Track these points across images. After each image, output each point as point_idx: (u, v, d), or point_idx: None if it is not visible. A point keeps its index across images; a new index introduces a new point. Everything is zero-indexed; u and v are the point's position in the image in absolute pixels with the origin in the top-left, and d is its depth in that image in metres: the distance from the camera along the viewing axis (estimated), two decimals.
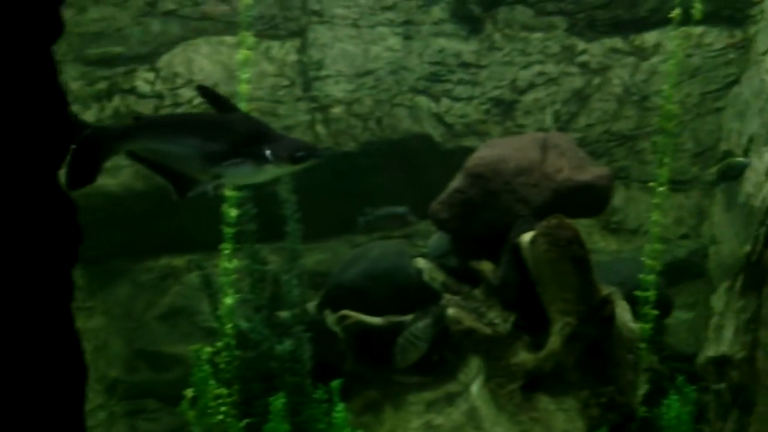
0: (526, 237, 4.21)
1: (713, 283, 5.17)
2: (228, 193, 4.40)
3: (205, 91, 3.14)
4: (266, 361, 4.47)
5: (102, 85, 5.72)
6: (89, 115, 5.65)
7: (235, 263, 4.41)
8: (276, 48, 5.87)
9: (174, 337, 5.69)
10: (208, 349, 4.43)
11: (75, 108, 5.71)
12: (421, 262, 4.82)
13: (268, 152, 2.90)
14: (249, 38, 4.29)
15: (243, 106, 4.26)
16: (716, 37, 5.61)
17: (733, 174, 4.87)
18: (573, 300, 4.01)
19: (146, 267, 5.80)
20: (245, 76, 4.26)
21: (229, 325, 4.42)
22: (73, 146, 2.48)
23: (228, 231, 4.39)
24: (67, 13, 5.89)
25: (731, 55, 5.58)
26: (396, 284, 4.68)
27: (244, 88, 4.22)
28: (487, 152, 4.70)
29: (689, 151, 5.63)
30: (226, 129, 2.96)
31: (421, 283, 4.70)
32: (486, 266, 4.51)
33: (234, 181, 3.78)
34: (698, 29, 5.11)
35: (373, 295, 4.68)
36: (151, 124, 3.06)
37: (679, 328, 5.24)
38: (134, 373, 5.84)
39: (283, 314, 4.75)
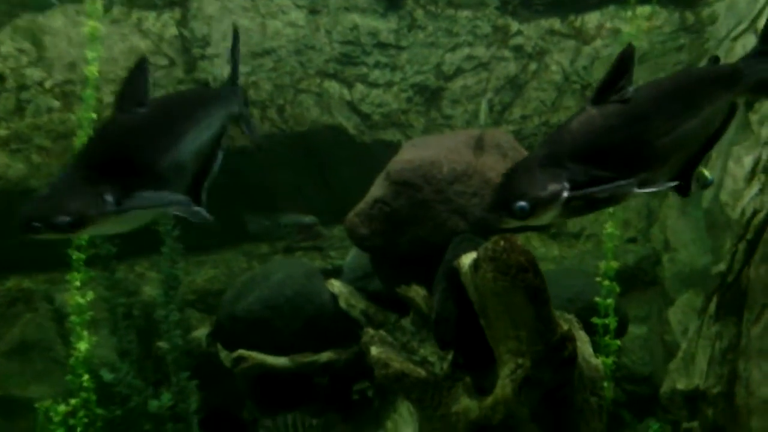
0: (467, 260, 3.41)
1: (669, 294, 4.58)
2: None
3: None
4: (139, 420, 3.48)
5: None
6: None
7: (90, 296, 3.38)
8: (151, 20, 4.82)
9: (26, 376, 4.57)
10: (62, 407, 3.39)
11: None
12: (335, 286, 3.94)
13: None
14: (97, 6, 3.25)
15: (90, 94, 3.21)
16: (666, 20, 5.00)
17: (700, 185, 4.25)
18: (527, 339, 3.25)
19: None
20: (93, 55, 3.22)
21: (86, 377, 3.38)
22: None
23: (77, 257, 3.34)
24: None
25: (682, 40, 4.98)
26: (304, 315, 3.79)
27: (92, 71, 3.18)
28: (415, 154, 3.87)
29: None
30: None
31: (337, 312, 3.84)
32: (416, 292, 3.69)
33: None
34: (646, 9, 4.46)
35: (277, 328, 3.77)
36: None
37: (633, 345, 4.62)
38: None
39: (162, 345, 3.76)
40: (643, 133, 2.20)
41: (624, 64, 2.29)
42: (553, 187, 2.03)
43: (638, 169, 2.17)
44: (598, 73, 5.12)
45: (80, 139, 3.58)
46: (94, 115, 3.56)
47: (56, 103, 4.61)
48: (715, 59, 2.54)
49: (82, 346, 3.35)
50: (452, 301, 3.50)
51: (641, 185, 2.17)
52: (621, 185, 2.05)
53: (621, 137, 2.17)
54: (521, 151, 4.16)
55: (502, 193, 2.09)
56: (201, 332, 4.24)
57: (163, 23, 4.82)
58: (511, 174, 2.12)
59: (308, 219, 4.23)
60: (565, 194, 2.06)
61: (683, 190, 2.38)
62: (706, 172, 4.34)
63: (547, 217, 2.07)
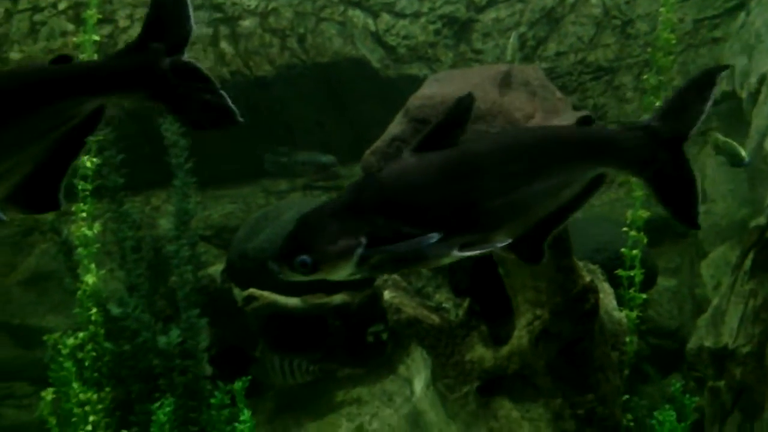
0: None
1: (703, 247, 4.37)
2: None
3: None
4: (148, 355, 3.44)
5: None
6: None
7: (97, 228, 3.29)
8: None
9: (43, 306, 4.58)
10: (70, 340, 3.36)
11: None
12: None
13: None
14: None
15: (92, 14, 3.04)
16: None
17: (731, 162, 3.98)
18: (546, 289, 3.09)
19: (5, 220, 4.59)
20: None
21: (94, 311, 3.33)
22: None
23: (84, 187, 3.24)
24: None
25: None
26: None
27: None
28: (436, 89, 3.64)
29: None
30: None
31: None
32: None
33: None
34: None
35: None
36: None
37: (661, 298, 4.45)
38: None
39: (173, 280, 3.70)
40: (468, 191, 1.84)
41: (461, 111, 1.93)
42: (344, 242, 1.71)
43: (461, 230, 1.81)
44: (642, 9, 4.77)
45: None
46: (96, 37, 3.38)
47: (70, 26, 4.46)
48: (586, 119, 2.09)
49: (90, 279, 3.29)
50: None
51: (466, 247, 1.79)
52: (425, 244, 1.69)
53: (440, 193, 1.82)
54: (551, 89, 3.91)
55: (288, 243, 1.75)
56: (216, 269, 4.17)
57: None
58: (303, 221, 1.77)
59: (326, 158, 4.06)
60: (360, 251, 1.72)
61: (533, 257, 2.02)
62: (742, 151, 4.05)
63: (338, 274, 1.72)
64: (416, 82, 4.81)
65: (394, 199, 1.79)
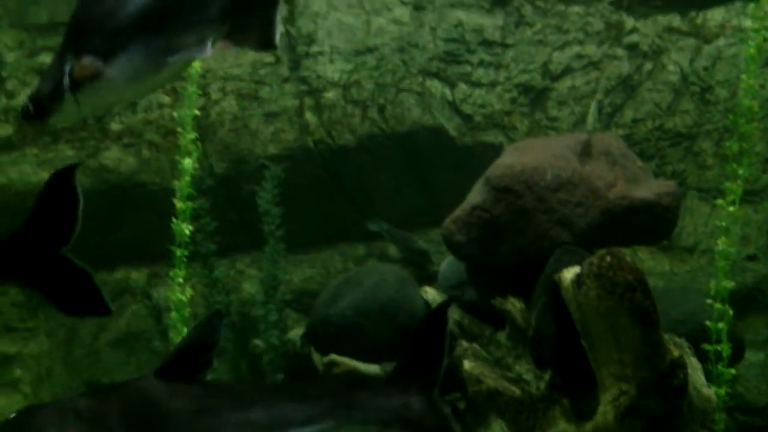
0: (569, 274, 3.24)
1: None
2: (179, 203, 3.42)
3: None
4: None
5: (45, 57, 4.71)
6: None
7: (189, 293, 3.44)
8: None
9: (131, 367, 4.76)
10: None
11: (12, 84, 4.72)
12: (429, 293, 3.85)
13: None
14: None
15: (193, 91, 3.24)
16: None
17: None
18: (632, 363, 3.05)
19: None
20: None
21: None
22: None
23: (181, 253, 3.41)
24: None
25: None
26: (397, 322, 3.72)
27: (194, 66, 3.21)
28: (516, 158, 3.71)
29: (760, 155, 4.61)
30: None
31: None
32: (514, 305, 3.54)
33: None
34: None
35: (369, 335, 3.73)
36: None
37: (749, 372, 4.28)
38: None
39: (258, 344, 3.80)
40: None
41: (206, 331, 1.89)
42: None
43: None
44: (721, 75, 4.75)
45: (183, 137, 3.65)
46: (197, 112, 3.61)
47: (167, 99, 4.76)
48: None
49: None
50: (552, 317, 3.34)
51: None
52: None
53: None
54: (632, 158, 3.92)
55: None
56: (296, 333, 4.26)
57: None
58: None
59: (422, 246, 4.12)
60: None
61: None
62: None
63: None
64: (492, 150, 4.91)
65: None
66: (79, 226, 1.91)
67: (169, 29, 1.68)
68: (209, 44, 1.73)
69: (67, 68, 1.72)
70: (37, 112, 1.76)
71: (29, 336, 4.82)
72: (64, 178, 1.89)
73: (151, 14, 1.68)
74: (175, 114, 3.56)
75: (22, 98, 4.67)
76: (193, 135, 3.44)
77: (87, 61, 1.68)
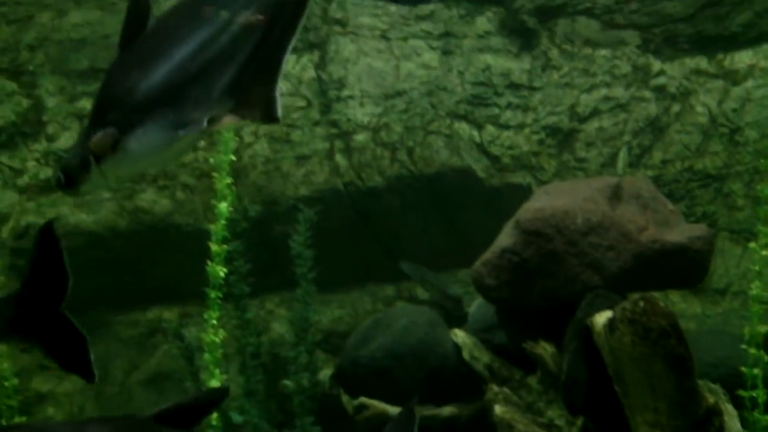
0: (601, 319, 3.23)
1: None
2: (214, 246, 3.48)
3: None
4: None
5: (85, 102, 4.86)
6: (68, 138, 4.80)
7: (222, 334, 3.49)
8: (290, 62, 4.98)
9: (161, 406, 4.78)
10: None
11: (52, 128, 4.87)
12: (459, 336, 3.85)
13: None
14: None
15: (229, 137, 3.33)
16: None
17: None
18: (667, 410, 3.02)
19: (131, 320, 4.92)
20: None
21: (215, 416, 3.48)
22: None
23: (216, 295, 3.46)
24: (44, 17, 5.12)
25: None
26: (427, 365, 3.73)
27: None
28: (546, 202, 3.73)
29: None
30: None
31: (460, 364, 3.74)
32: (545, 349, 3.53)
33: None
34: None
35: (399, 378, 3.73)
36: None
37: None
38: None
39: (288, 384, 3.82)
40: None
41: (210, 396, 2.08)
42: None
43: None
44: (750, 116, 4.76)
45: (219, 181, 3.72)
46: (233, 157, 3.70)
47: (201, 143, 4.87)
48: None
49: (214, 384, 3.46)
50: (584, 362, 3.32)
51: None
52: None
53: None
54: (663, 201, 3.92)
55: None
56: (325, 374, 4.27)
57: (302, 66, 4.98)
58: None
59: (453, 291, 4.14)
60: None
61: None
62: None
63: None
64: (520, 190, 4.93)
65: None
66: (71, 281, 2.03)
67: (180, 105, 1.86)
68: (217, 118, 1.87)
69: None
70: (68, 182, 1.92)
71: (62, 374, 4.88)
72: (47, 236, 1.98)
73: (164, 92, 1.86)
74: (211, 159, 3.64)
75: (62, 142, 4.82)
76: (228, 179, 3.52)
77: (103, 134, 1.85)
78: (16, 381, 3.91)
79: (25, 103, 4.74)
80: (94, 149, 1.85)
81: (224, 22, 1.86)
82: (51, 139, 4.80)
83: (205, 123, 1.83)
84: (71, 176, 1.90)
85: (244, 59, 1.86)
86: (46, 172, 4.73)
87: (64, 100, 4.85)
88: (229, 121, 1.93)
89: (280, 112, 1.91)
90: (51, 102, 4.83)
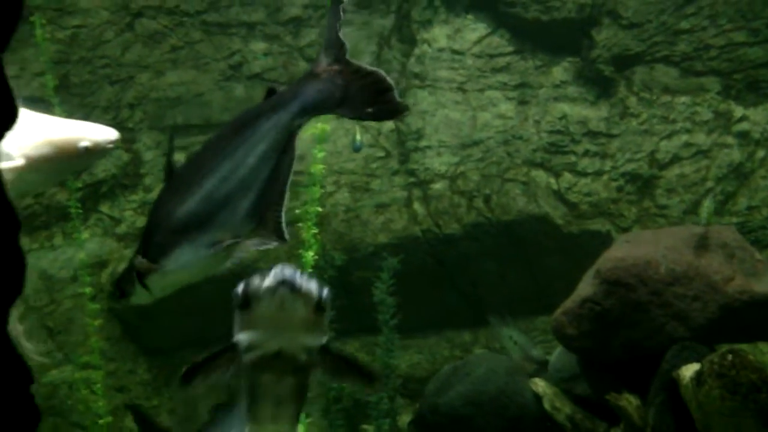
0: (688, 372, 3.17)
1: None
2: None
3: None
4: None
5: (180, 155, 5.16)
6: None
7: None
8: None
9: None
10: None
11: (149, 180, 5.17)
12: (540, 386, 3.84)
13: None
14: None
15: (316, 190, 3.48)
16: None
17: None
18: None
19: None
20: (321, 154, 3.49)
21: None
22: None
23: None
24: (144, 77, 5.47)
25: None
26: (507, 414, 3.72)
27: (318, 168, 3.45)
28: (627, 251, 3.72)
29: None
30: None
31: (540, 414, 3.72)
32: (629, 401, 3.48)
33: None
34: None
35: (479, 426, 3.74)
36: None
37: None
38: None
39: (368, 429, 3.88)
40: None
41: None
42: None
43: None
44: None
45: (306, 231, 3.87)
46: (320, 209, 3.84)
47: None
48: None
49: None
50: (671, 415, 3.26)
51: None
52: None
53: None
54: (750, 251, 3.84)
55: None
56: (403, 419, 4.31)
57: None
58: None
59: (536, 353, 4.13)
60: None
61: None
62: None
63: None
64: (599, 237, 4.90)
65: None
66: None
67: (209, 229, 2.22)
68: (241, 239, 2.24)
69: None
70: (120, 295, 2.35)
71: (153, 413, 5.09)
72: None
73: (195, 218, 2.22)
74: (296, 210, 3.80)
75: (156, 193, 5.12)
76: (315, 229, 3.66)
77: (143, 260, 2.26)
78: (110, 419, 4.11)
79: (126, 157, 5.06)
80: (139, 269, 2.24)
81: (243, 157, 2.18)
82: (148, 190, 5.10)
83: (240, 242, 2.20)
84: (122, 291, 2.32)
85: (260, 188, 2.18)
86: (143, 221, 5.01)
87: (160, 153, 5.16)
88: (252, 245, 2.28)
89: (287, 234, 2.25)
90: (148, 156, 5.15)
